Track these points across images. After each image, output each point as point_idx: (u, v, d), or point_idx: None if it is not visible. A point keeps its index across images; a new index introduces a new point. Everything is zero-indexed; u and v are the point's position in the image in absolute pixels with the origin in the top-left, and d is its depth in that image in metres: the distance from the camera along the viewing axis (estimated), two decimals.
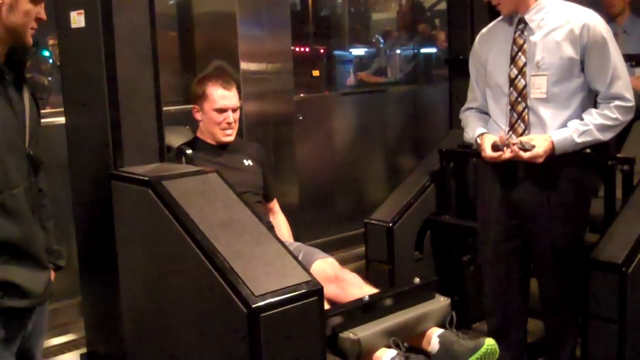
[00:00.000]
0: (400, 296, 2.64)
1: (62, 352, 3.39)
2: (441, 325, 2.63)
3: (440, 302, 2.68)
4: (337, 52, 6.40)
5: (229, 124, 3.12)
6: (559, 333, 2.99)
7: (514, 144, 2.72)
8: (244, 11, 3.78)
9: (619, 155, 3.22)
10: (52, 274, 2.22)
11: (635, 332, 2.79)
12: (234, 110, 3.13)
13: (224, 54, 3.85)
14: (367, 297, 2.57)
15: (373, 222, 3.65)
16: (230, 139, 3.16)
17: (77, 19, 2.61)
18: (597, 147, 3.13)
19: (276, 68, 3.93)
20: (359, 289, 2.83)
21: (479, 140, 2.90)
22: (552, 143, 2.71)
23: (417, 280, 2.68)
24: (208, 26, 3.95)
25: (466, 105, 3.12)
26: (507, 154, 2.74)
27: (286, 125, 4.05)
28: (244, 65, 3.81)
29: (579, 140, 2.73)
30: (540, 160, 2.71)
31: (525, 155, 2.70)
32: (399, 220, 3.59)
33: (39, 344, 2.23)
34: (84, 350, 3.03)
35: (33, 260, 2.05)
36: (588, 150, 3.12)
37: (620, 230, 2.90)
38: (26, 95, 2.10)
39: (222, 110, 3.10)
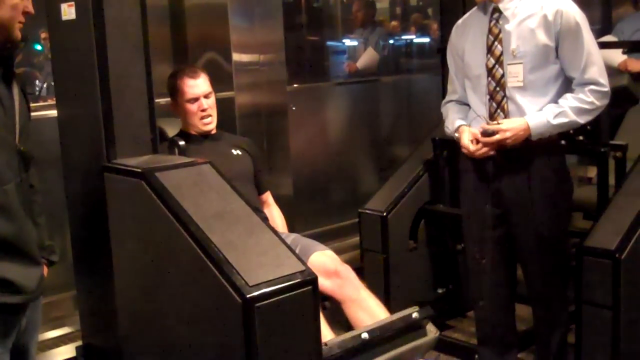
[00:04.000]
0: (396, 332, 2.66)
1: (58, 345, 3.39)
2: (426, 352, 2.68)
3: (431, 335, 2.71)
4: (330, 43, 6.44)
5: (203, 110, 3.14)
6: (548, 321, 2.99)
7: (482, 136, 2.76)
8: (235, 2, 3.77)
9: (612, 142, 3.23)
10: (45, 270, 2.22)
11: (629, 318, 2.80)
12: (206, 97, 3.15)
13: (216, 45, 3.84)
14: (366, 335, 2.56)
15: (367, 211, 3.66)
16: (211, 127, 3.19)
17: (68, 11, 2.61)
18: (590, 134, 3.13)
19: (269, 59, 3.92)
20: (354, 289, 2.90)
21: (456, 134, 2.91)
22: (527, 124, 2.71)
23: (415, 315, 2.69)
24: (200, 18, 3.93)
25: (446, 98, 3.12)
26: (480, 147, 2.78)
27: (279, 116, 4.04)
28: (236, 57, 3.79)
29: (554, 121, 2.72)
30: (509, 134, 2.71)
31: (493, 138, 2.72)
32: (393, 209, 3.60)
33: (33, 339, 2.23)
34: (79, 342, 3.03)
35: (25, 256, 2.04)
36: (581, 138, 3.13)
37: (613, 217, 2.90)
38: (16, 91, 2.09)
39: (193, 100, 3.13)
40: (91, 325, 2.93)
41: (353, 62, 6.13)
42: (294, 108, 4.35)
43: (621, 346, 2.79)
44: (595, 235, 2.86)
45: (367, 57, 6.07)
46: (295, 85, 4.73)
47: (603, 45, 4.62)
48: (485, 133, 2.76)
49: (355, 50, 6.35)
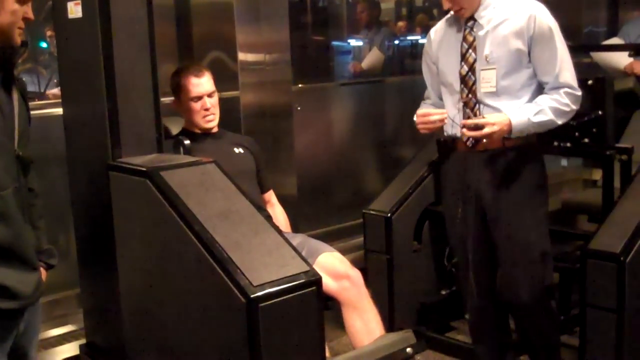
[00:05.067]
0: None
1: (62, 343, 3.39)
2: None
3: None
4: (336, 43, 6.44)
5: (206, 109, 3.14)
6: (530, 333, 2.98)
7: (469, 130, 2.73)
8: (241, 1, 3.77)
9: (617, 145, 3.23)
10: (44, 273, 2.22)
11: (634, 321, 2.80)
12: (209, 96, 3.15)
13: (222, 44, 3.84)
14: None
15: (371, 212, 3.66)
16: (213, 124, 3.19)
17: (74, 10, 2.61)
18: (596, 136, 3.13)
19: (274, 58, 3.92)
20: (358, 296, 2.91)
21: (415, 118, 2.92)
22: (509, 120, 2.70)
23: (409, 350, 2.69)
24: (206, 17, 3.93)
25: (421, 103, 3.16)
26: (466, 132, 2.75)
27: (284, 115, 4.04)
28: (241, 56, 3.79)
29: (534, 119, 2.72)
30: (497, 128, 2.67)
31: (483, 132, 2.68)
32: (397, 210, 3.60)
33: (32, 342, 2.22)
34: (83, 341, 3.04)
35: (22, 262, 2.03)
36: (587, 140, 3.13)
37: (618, 220, 2.90)
38: (15, 96, 2.08)
39: (197, 98, 3.13)
40: (95, 323, 2.94)
41: (358, 62, 6.13)
42: (299, 108, 4.35)
43: (625, 349, 2.78)
44: (600, 238, 2.86)
45: (372, 58, 6.07)
46: (300, 85, 4.72)
47: (609, 48, 4.64)
48: (472, 127, 2.71)
49: (361, 50, 6.34)
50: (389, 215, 3.57)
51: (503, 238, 2.86)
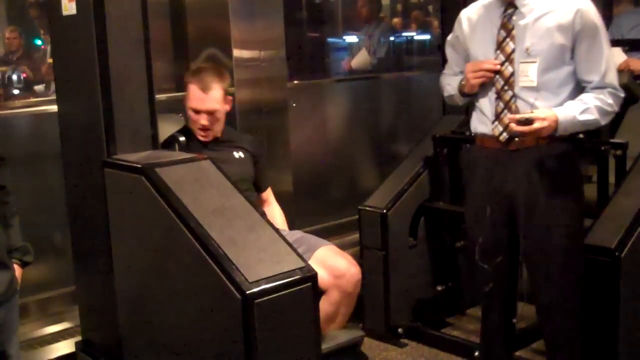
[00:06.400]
0: None
1: (57, 341, 3.39)
2: None
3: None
4: (331, 39, 6.45)
5: (202, 125, 3.04)
6: (557, 341, 2.83)
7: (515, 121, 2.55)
8: None
9: (612, 140, 3.23)
10: (19, 271, 2.21)
11: (629, 316, 2.80)
12: (209, 114, 3.03)
13: (217, 41, 3.83)
14: None
15: (367, 208, 3.66)
16: (205, 139, 3.09)
17: (69, 6, 2.61)
18: (591, 132, 3.11)
19: (269, 55, 3.92)
20: (345, 293, 2.91)
21: (462, 82, 2.82)
22: (557, 116, 2.56)
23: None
24: (200, 13, 3.92)
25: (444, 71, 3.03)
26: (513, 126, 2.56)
27: (280, 112, 4.04)
28: (236, 53, 3.78)
29: (580, 117, 2.59)
30: (547, 123, 2.52)
31: (533, 127, 2.52)
32: (392, 206, 3.60)
33: (11, 340, 2.21)
34: (78, 338, 3.03)
35: None
36: (581, 136, 3.11)
37: (613, 215, 2.91)
38: None
39: (196, 111, 3.04)
40: (90, 320, 2.94)
41: (352, 59, 6.13)
42: (294, 104, 4.35)
43: (621, 345, 2.79)
44: (596, 233, 2.86)
45: (360, 58, 6.10)
46: (295, 82, 4.72)
47: None
48: (522, 121, 2.53)
49: (358, 46, 6.34)
50: (384, 211, 3.58)
51: (539, 237, 2.71)
